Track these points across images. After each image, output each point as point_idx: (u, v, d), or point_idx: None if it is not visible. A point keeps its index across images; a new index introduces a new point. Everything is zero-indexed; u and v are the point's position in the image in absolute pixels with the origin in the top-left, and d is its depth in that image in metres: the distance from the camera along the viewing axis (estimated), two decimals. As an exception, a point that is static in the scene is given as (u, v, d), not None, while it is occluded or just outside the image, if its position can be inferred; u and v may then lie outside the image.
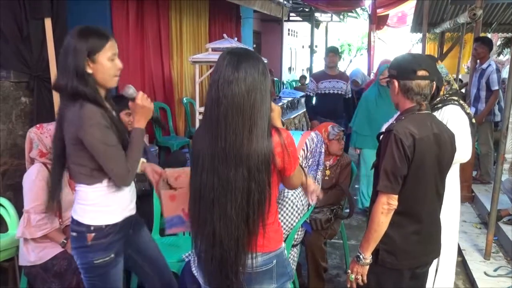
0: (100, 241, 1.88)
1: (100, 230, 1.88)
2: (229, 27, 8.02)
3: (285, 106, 6.37)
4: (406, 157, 1.83)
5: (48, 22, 3.17)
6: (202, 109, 4.35)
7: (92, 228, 1.87)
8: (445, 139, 1.94)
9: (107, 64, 1.81)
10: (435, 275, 2.41)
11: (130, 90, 1.89)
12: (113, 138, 1.80)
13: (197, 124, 4.29)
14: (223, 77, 1.53)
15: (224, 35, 4.47)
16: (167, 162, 3.81)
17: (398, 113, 2.09)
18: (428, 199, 1.95)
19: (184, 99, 6.26)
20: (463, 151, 2.47)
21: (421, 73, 1.92)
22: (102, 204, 1.89)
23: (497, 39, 9.24)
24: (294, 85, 12.38)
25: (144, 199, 3.37)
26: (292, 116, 7.55)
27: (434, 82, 1.95)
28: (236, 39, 4.70)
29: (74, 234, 1.91)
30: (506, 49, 9.20)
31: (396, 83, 1.97)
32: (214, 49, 4.25)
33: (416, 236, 1.95)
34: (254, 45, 9.93)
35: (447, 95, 2.57)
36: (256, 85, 1.55)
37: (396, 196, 1.86)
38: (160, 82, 5.82)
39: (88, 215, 1.89)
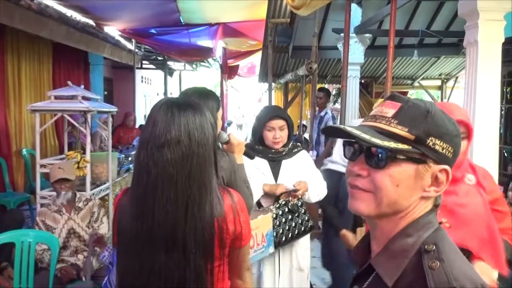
0: None
1: None
2: (76, 74, 7.65)
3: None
4: None
5: None
6: (43, 161, 3.97)
7: None
8: None
9: None
10: None
11: (224, 136, 1.98)
12: None
13: (38, 178, 3.88)
14: (153, 138, 1.22)
15: (69, 82, 4.19)
16: (2, 222, 3.34)
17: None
18: None
19: (24, 150, 5.69)
20: (323, 189, 2.67)
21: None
22: None
23: (332, 89, 10.38)
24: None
25: None
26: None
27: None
28: (83, 86, 4.45)
29: None
30: (339, 98, 10.40)
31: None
32: (57, 97, 3.96)
33: None
34: (106, 92, 9.58)
35: (293, 143, 2.75)
36: (194, 147, 1.23)
37: None
38: (-7, 132, 5.21)
39: None
